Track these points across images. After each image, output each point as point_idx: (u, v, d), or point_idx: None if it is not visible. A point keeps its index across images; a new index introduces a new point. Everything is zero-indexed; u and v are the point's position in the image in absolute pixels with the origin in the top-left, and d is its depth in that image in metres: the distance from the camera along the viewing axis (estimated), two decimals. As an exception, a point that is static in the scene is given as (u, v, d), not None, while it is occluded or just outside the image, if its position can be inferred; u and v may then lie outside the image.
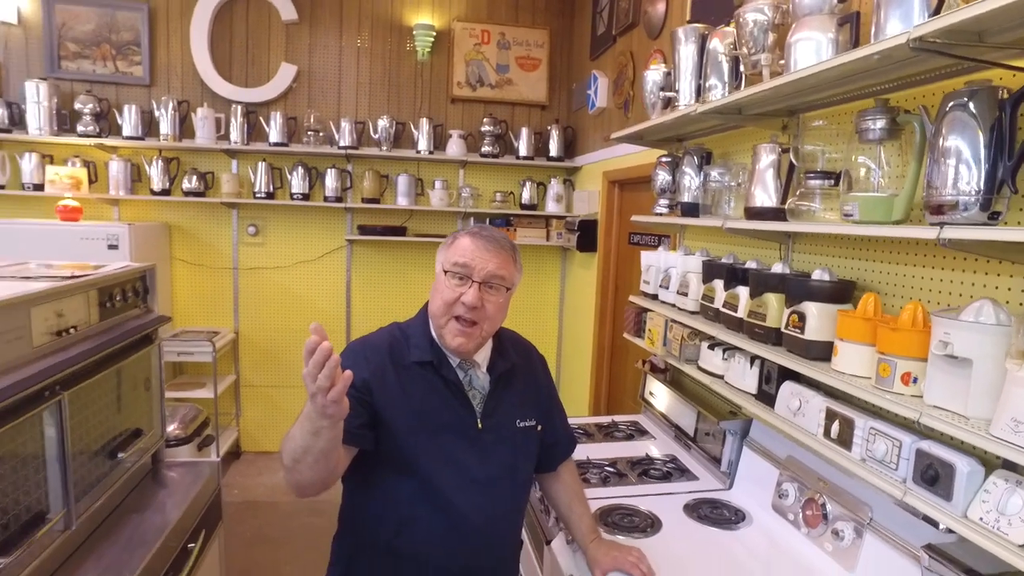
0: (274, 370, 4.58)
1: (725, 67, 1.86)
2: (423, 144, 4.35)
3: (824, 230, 1.53)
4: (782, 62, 1.56)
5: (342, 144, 4.26)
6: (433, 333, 1.43)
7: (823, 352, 1.47)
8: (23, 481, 1.32)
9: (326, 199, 4.30)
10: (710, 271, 2.01)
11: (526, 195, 4.51)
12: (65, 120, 4.08)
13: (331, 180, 4.29)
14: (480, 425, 1.42)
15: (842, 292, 1.52)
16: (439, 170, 4.53)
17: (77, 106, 4.05)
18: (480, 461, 1.41)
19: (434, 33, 4.38)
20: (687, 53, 2.03)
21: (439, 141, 4.43)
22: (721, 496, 1.98)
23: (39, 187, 4.03)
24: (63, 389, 1.44)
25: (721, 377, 1.90)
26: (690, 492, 2.01)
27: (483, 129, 4.42)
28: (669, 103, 2.20)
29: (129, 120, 4.08)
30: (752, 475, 1.96)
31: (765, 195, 1.75)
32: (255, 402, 4.61)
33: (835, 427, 1.42)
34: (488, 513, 1.41)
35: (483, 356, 1.47)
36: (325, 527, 1.51)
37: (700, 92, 2.00)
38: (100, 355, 1.61)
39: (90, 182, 4.11)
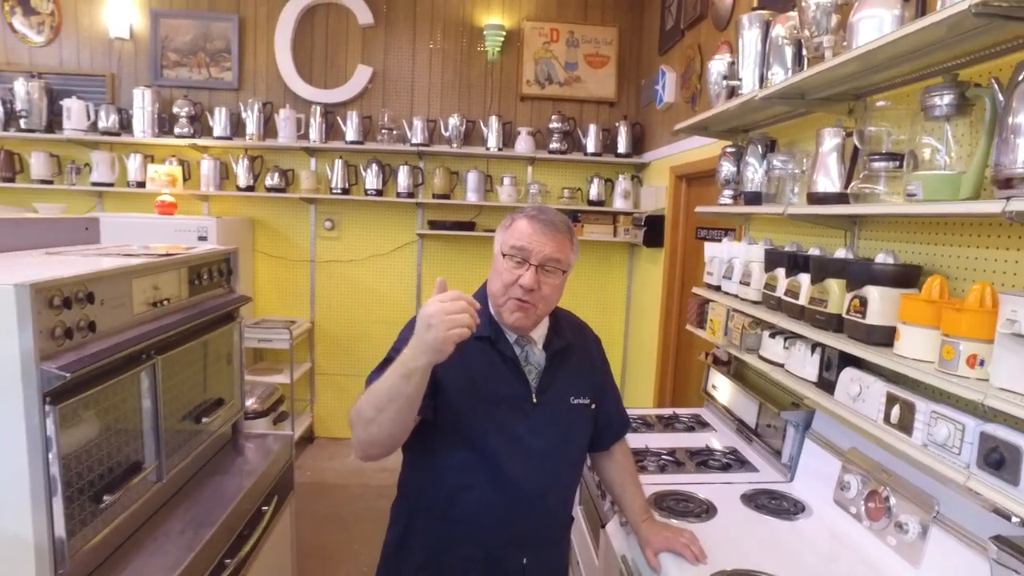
0: (347, 359, 4.78)
1: (788, 53, 1.84)
2: (492, 141, 4.44)
3: (885, 211, 1.49)
4: (845, 44, 1.53)
5: (414, 142, 4.41)
6: (492, 310, 1.48)
7: (885, 337, 1.43)
8: (124, 433, 1.46)
9: (398, 195, 4.47)
10: (772, 260, 1.98)
11: (593, 191, 4.53)
12: (165, 123, 4.42)
13: (403, 177, 4.45)
14: (535, 400, 1.46)
15: (906, 276, 1.48)
16: (508, 167, 4.61)
17: (175, 110, 4.38)
18: (533, 434, 1.45)
19: (504, 33, 4.47)
20: (750, 39, 2.01)
21: (508, 138, 4.52)
22: (781, 488, 1.95)
23: (141, 184, 4.39)
24: (157, 354, 1.59)
25: (782, 365, 1.87)
26: (749, 483, 1.99)
27: (551, 126, 4.48)
28: (733, 92, 2.19)
29: (219, 122, 4.38)
30: (813, 467, 1.92)
31: (828, 180, 1.72)
32: (328, 389, 4.83)
33: (896, 412, 1.38)
34: (540, 485, 1.45)
35: (539, 333, 1.52)
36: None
37: (763, 79, 1.98)
38: (189, 326, 1.75)
39: (184, 179, 4.43)
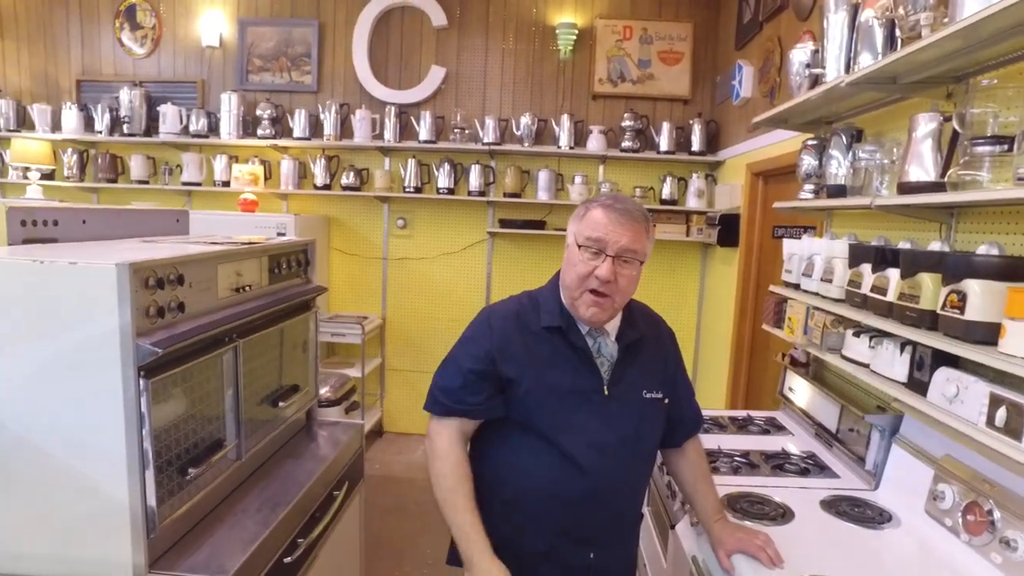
0: (416, 356, 4.86)
1: (878, 35, 1.74)
2: (564, 140, 4.43)
3: (991, 197, 1.38)
4: (945, 20, 1.43)
5: (486, 141, 4.45)
6: (564, 301, 1.47)
7: (987, 334, 1.33)
8: (207, 411, 1.53)
9: (470, 193, 4.52)
10: (857, 255, 1.88)
11: (666, 190, 4.44)
12: (248, 125, 4.65)
13: (475, 175, 4.50)
14: (606, 391, 1.44)
15: (1013, 268, 1.36)
16: (579, 165, 4.59)
17: (258, 112, 4.60)
18: (604, 426, 1.43)
19: (576, 31, 4.45)
20: (837, 23, 1.92)
21: (579, 137, 4.49)
22: (865, 495, 1.84)
23: (226, 184, 4.63)
24: (239, 337, 1.66)
25: (867, 366, 1.77)
26: (829, 489, 1.89)
27: (623, 124, 4.42)
28: (816, 81, 2.09)
29: (299, 123, 4.56)
30: (901, 475, 1.80)
31: (922, 169, 1.61)
32: (398, 385, 4.93)
33: (1001, 414, 1.28)
34: (609, 478, 1.43)
35: (613, 325, 1.49)
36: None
37: (849, 65, 1.88)
38: (268, 312, 1.82)
39: (265, 178, 4.64)
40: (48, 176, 4.73)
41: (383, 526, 3.50)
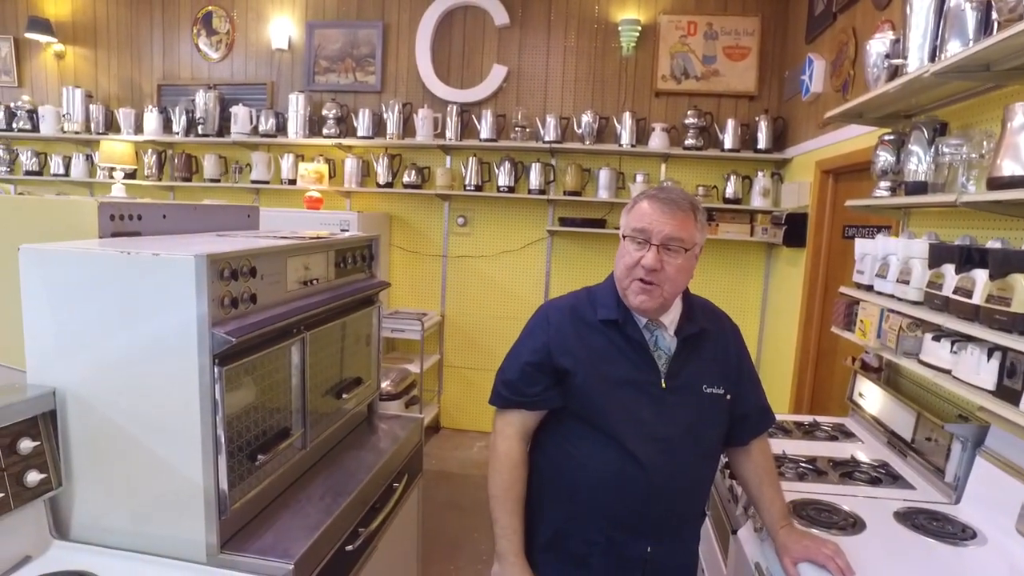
0: (474, 353, 4.90)
1: (970, 20, 1.64)
2: (625, 138, 4.38)
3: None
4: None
5: (547, 139, 4.44)
6: (620, 294, 1.46)
7: (1087, 340, 1.24)
8: (275, 400, 1.58)
9: (530, 192, 4.52)
10: (939, 255, 1.78)
11: (730, 189, 4.33)
12: (314, 125, 4.79)
13: (535, 174, 4.49)
14: (664, 385, 1.42)
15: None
16: (641, 164, 4.52)
17: (324, 112, 4.73)
18: (661, 420, 1.41)
19: (639, 27, 4.39)
20: (921, 9, 1.81)
21: (641, 135, 4.43)
22: (944, 509, 1.74)
23: (292, 182, 4.78)
24: (306, 329, 1.70)
25: (948, 372, 1.67)
26: (903, 500, 1.80)
27: (687, 122, 4.33)
28: (896, 72, 1.99)
29: (362, 122, 4.66)
30: (987, 490, 1.69)
31: (1017, 163, 1.51)
32: (455, 382, 4.98)
33: (1099, 428, 1.19)
34: (666, 473, 1.40)
35: (670, 319, 1.47)
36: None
37: (935, 54, 1.78)
38: (334, 305, 1.87)
39: (330, 177, 4.76)
40: (130, 175, 5.00)
41: (438, 520, 3.54)
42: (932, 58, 1.80)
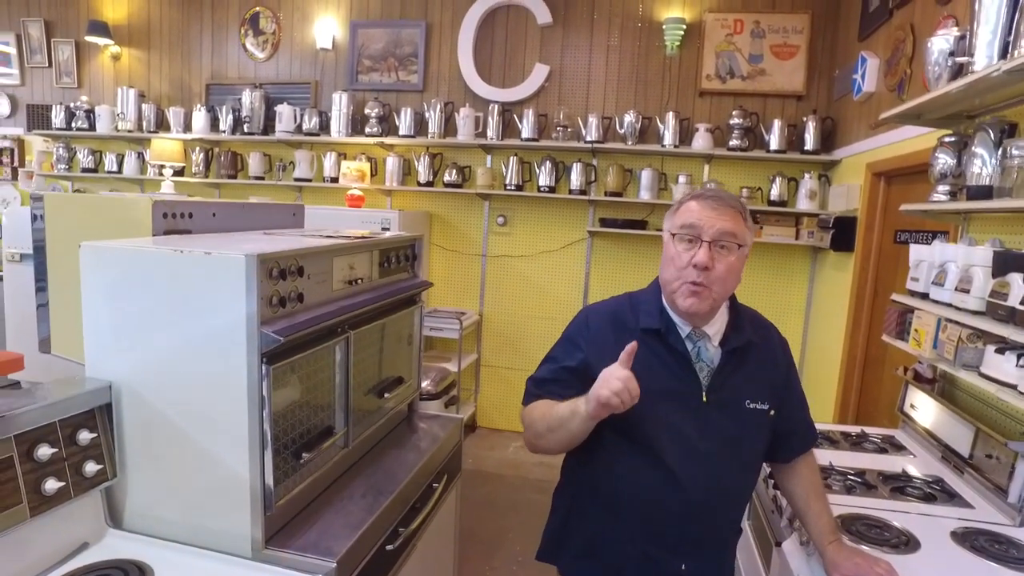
0: (512, 353, 4.90)
1: (1044, 16, 1.56)
2: (668, 138, 4.32)
3: None
4: None
5: (588, 139, 4.41)
6: (664, 302, 1.43)
7: None
8: (319, 399, 1.60)
9: (571, 192, 4.50)
10: (1004, 263, 1.70)
11: (775, 191, 4.23)
12: (357, 123, 4.85)
13: (576, 174, 4.46)
14: (705, 398, 1.39)
15: None
16: (683, 164, 4.46)
17: (366, 111, 4.79)
18: (702, 433, 1.38)
19: (684, 26, 4.32)
20: (992, 3, 1.72)
21: (684, 135, 4.37)
22: (1007, 532, 1.66)
23: (334, 180, 4.85)
24: (351, 328, 1.72)
25: (1014, 387, 1.60)
26: (960, 519, 1.73)
27: (731, 122, 4.25)
28: (960, 70, 1.91)
29: (404, 121, 4.70)
30: (1053, 512, 1.62)
31: (1091, 169, 1.44)
32: (492, 381, 4.98)
33: None
34: (704, 488, 1.37)
35: (715, 329, 1.43)
36: (547, 505, 1.63)
37: (1007, 51, 1.70)
38: (378, 304, 1.88)
39: (371, 175, 4.81)
40: (179, 173, 5.14)
41: (475, 520, 3.54)
42: (1003, 55, 1.72)
